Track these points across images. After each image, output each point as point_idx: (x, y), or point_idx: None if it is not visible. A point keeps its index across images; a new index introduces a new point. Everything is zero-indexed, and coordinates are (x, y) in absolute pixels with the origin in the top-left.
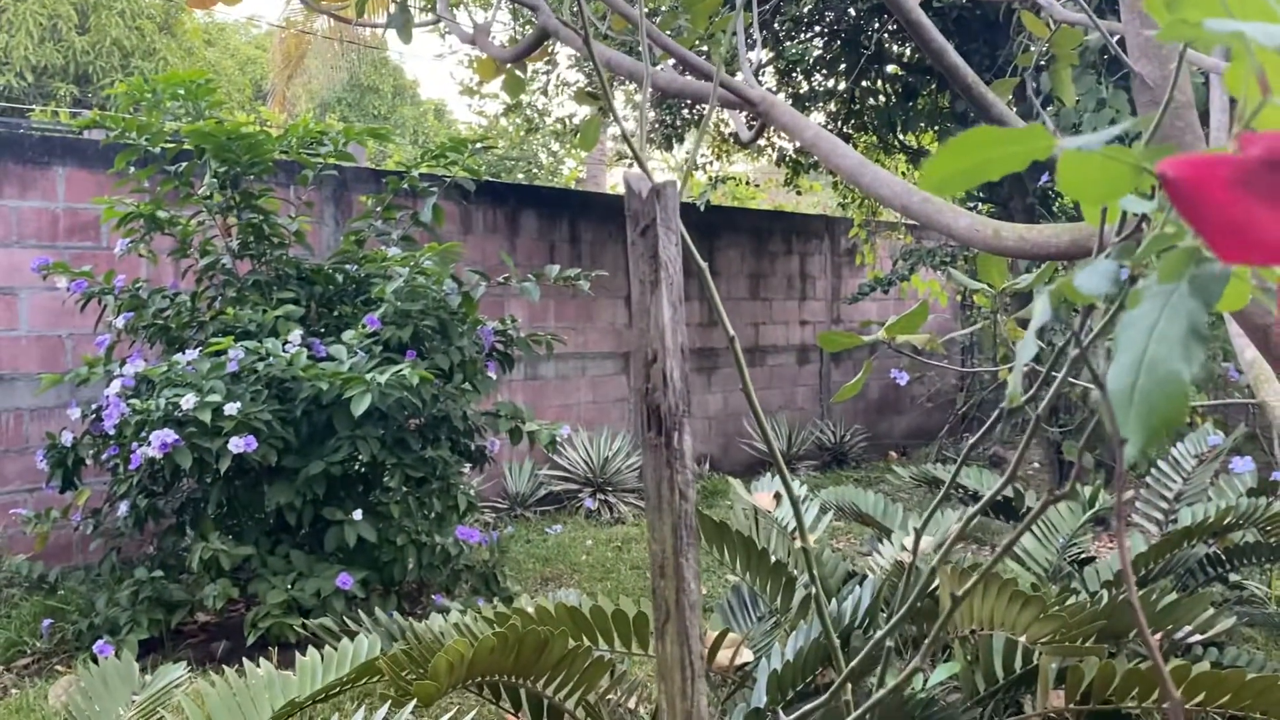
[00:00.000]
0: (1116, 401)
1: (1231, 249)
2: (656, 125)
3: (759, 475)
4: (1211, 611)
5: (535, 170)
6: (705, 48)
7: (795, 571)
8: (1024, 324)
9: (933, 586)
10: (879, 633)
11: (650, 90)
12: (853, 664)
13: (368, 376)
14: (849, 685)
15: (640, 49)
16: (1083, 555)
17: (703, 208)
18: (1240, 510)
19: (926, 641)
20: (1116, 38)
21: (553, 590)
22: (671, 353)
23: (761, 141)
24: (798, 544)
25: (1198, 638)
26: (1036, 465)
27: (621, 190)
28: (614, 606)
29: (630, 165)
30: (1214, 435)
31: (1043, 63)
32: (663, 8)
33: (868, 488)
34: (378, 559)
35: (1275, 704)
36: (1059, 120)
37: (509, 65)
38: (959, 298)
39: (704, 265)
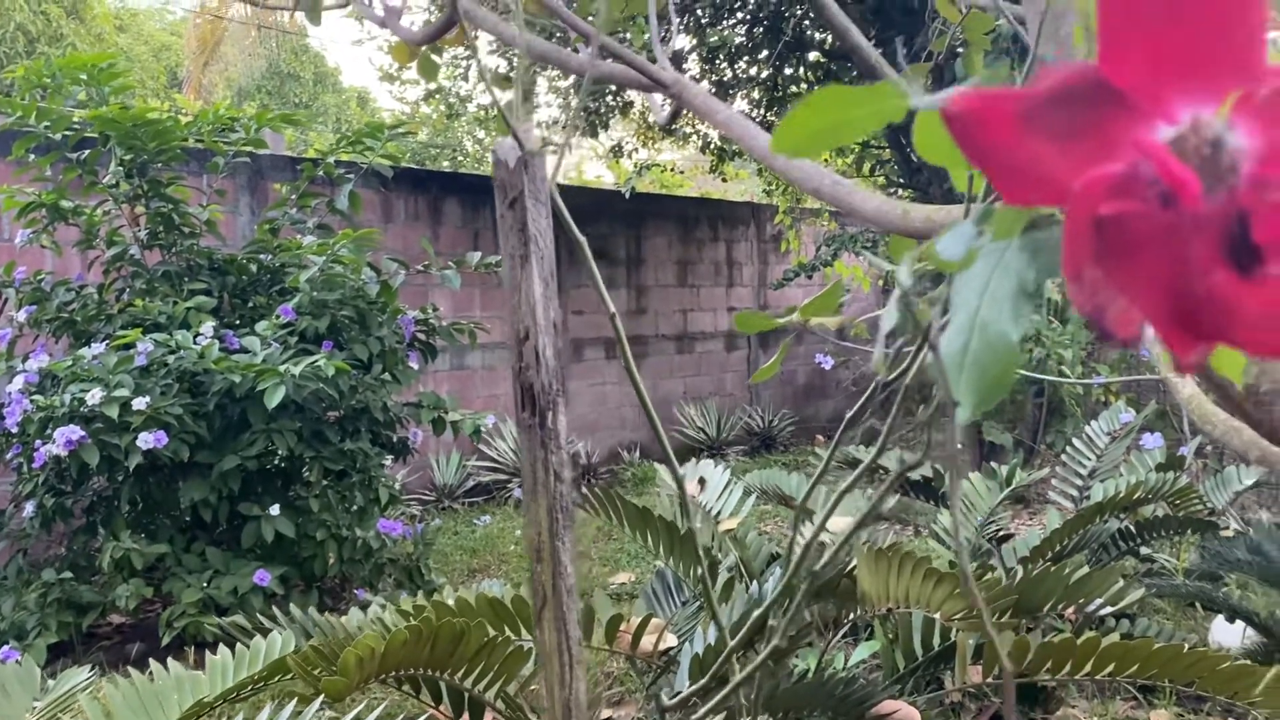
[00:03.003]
0: (949, 364)
1: (1015, 189)
2: (585, 110)
3: (690, 461)
4: (1121, 584)
5: (460, 158)
6: (629, 34)
7: (720, 555)
8: (934, 304)
9: (850, 566)
10: (766, 603)
11: (568, 74)
12: (738, 637)
13: (281, 368)
14: (734, 661)
15: (561, 35)
16: (1001, 533)
17: (628, 195)
18: (1149, 485)
19: (800, 593)
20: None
21: (480, 581)
22: (544, 329)
23: (687, 129)
24: (723, 528)
25: (1109, 610)
26: (960, 445)
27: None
28: None
29: (558, 153)
30: (1126, 413)
31: (958, 49)
32: None
33: (793, 471)
34: (297, 554)
35: (1180, 671)
36: None
37: (423, 48)
38: (880, 282)
39: (583, 240)
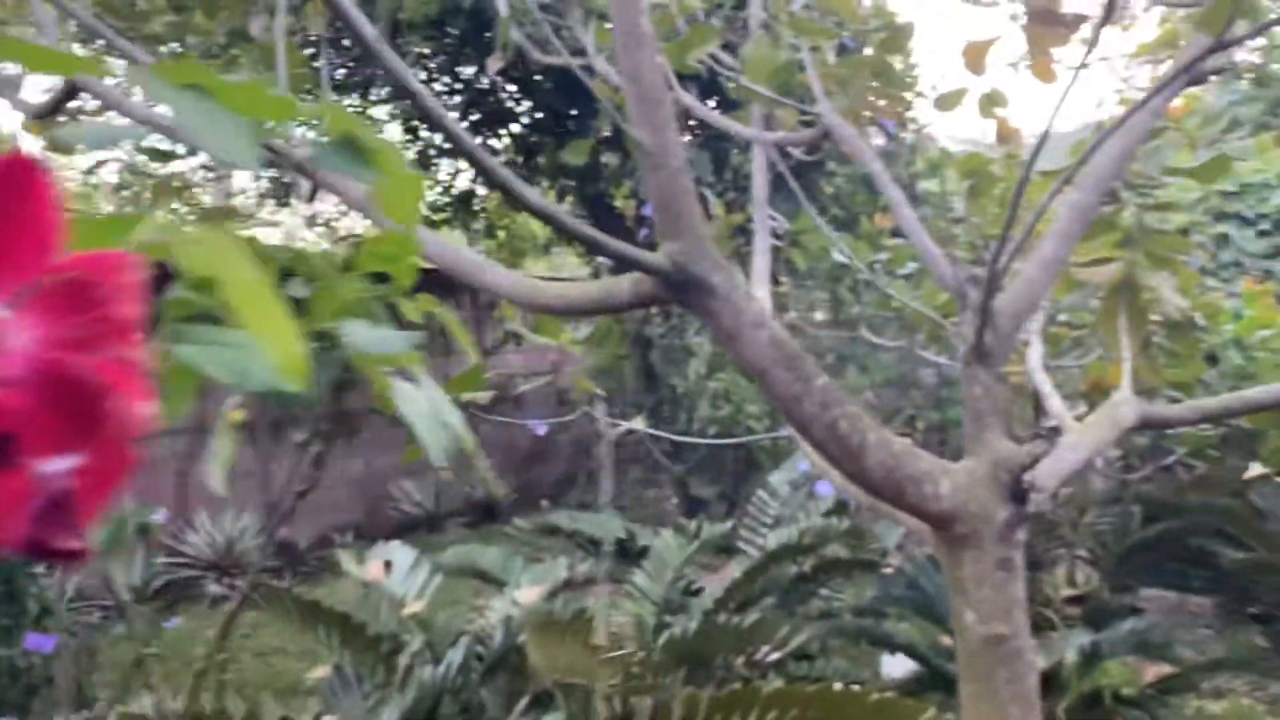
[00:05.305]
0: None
1: None
2: (271, 181)
3: (407, 537)
4: (788, 629)
5: None
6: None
7: (407, 638)
8: (592, 377)
9: (521, 638)
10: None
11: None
12: None
13: None
14: None
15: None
16: (694, 586)
17: None
18: (817, 530)
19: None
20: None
21: (158, 692)
22: None
23: None
24: (407, 611)
25: (775, 655)
26: (675, 502)
27: None
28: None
29: (248, 227)
30: (804, 462)
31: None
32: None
33: (503, 542)
34: None
35: (834, 708)
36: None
37: (48, 119)
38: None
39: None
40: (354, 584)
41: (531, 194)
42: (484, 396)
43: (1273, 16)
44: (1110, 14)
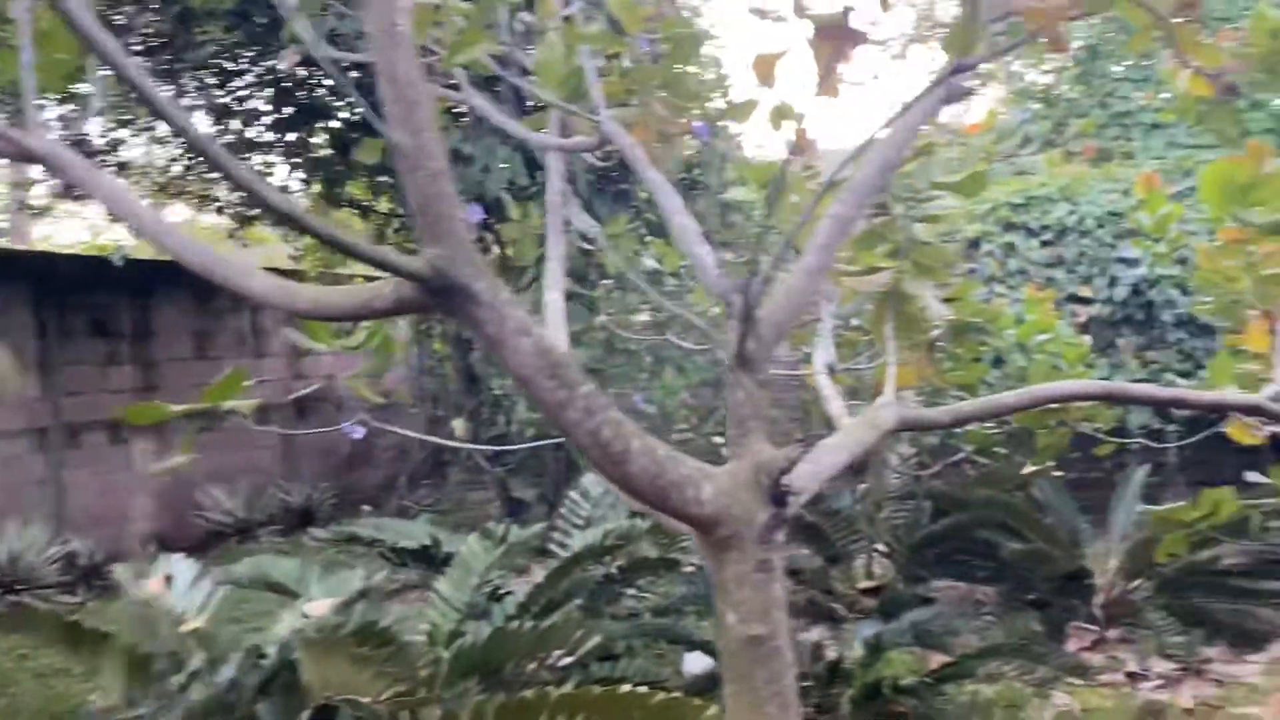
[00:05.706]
0: None
1: None
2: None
3: (215, 548)
4: (582, 632)
5: None
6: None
7: (185, 655)
8: (367, 380)
9: (295, 653)
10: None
11: None
12: None
13: None
14: None
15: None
16: (502, 591)
17: (119, 263)
18: (621, 531)
19: None
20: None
21: None
22: None
23: (207, 192)
24: (188, 627)
25: (570, 659)
26: (497, 505)
27: (48, 245)
28: None
29: (53, 220)
30: None
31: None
32: None
33: (305, 552)
34: None
35: (621, 710)
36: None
37: None
38: (415, 347)
39: None
40: (133, 603)
41: (270, 191)
42: (247, 406)
43: (1010, 43)
44: (859, 32)
